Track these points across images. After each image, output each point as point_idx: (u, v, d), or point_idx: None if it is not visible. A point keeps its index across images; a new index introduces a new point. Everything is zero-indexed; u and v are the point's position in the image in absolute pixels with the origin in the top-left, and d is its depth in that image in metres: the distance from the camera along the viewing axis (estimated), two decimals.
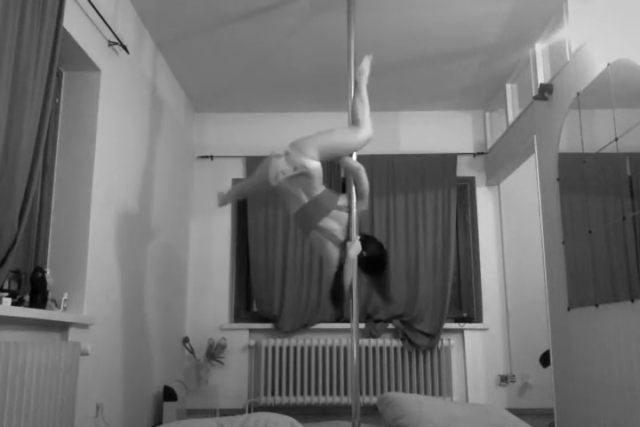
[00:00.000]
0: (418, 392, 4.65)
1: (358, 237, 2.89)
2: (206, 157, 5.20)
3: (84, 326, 2.91)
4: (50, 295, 2.67)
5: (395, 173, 5.05)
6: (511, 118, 4.57)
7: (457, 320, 4.93)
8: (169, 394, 4.00)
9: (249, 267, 4.99)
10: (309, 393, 4.70)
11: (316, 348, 4.76)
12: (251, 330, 4.90)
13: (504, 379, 4.81)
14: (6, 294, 2.33)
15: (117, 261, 3.38)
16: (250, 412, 4.66)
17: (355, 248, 2.84)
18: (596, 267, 3.16)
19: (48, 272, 2.70)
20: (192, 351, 4.66)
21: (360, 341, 4.51)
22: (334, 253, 2.87)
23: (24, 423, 2.16)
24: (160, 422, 4.01)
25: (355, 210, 2.91)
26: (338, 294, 2.88)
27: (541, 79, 3.93)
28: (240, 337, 4.87)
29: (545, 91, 3.75)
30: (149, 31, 3.88)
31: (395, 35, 3.93)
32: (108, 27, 3.13)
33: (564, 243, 3.55)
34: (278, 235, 4.95)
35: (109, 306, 3.27)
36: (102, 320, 3.14)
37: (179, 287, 4.75)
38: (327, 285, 3.06)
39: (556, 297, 3.70)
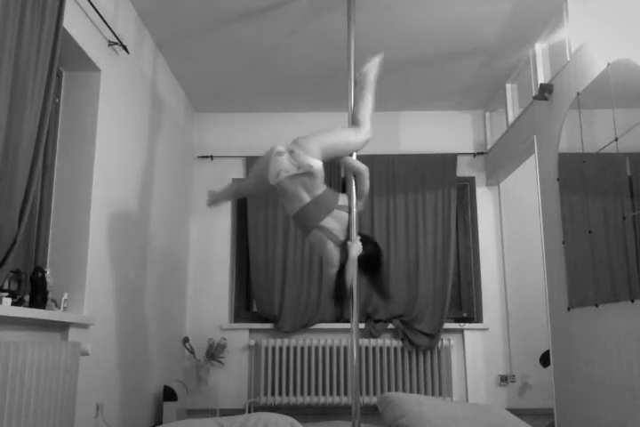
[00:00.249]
0: (418, 392, 4.65)
1: (358, 238, 2.88)
2: (206, 157, 5.20)
3: (83, 326, 2.91)
4: (50, 295, 2.67)
5: (395, 173, 5.05)
6: (511, 118, 4.57)
7: (457, 320, 4.93)
8: (169, 394, 4.00)
9: (249, 267, 4.99)
10: (309, 393, 4.70)
11: (316, 348, 4.75)
12: (251, 330, 4.90)
13: (504, 379, 4.82)
14: (6, 294, 2.33)
15: (117, 261, 3.38)
16: (250, 412, 4.66)
17: (356, 248, 2.84)
18: (596, 267, 3.16)
19: (48, 272, 2.70)
20: (192, 351, 4.66)
21: (360, 341, 4.51)
22: (335, 252, 2.86)
23: (24, 423, 2.16)
24: (160, 423, 4.01)
25: (354, 210, 2.91)
26: (341, 293, 2.88)
27: (541, 79, 3.93)
28: (240, 337, 4.87)
29: (545, 91, 3.75)
30: (149, 31, 3.88)
31: (395, 35, 3.93)
32: (108, 27, 3.13)
33: (564, 243, 3.55)
34: (278, 235, 4.95)
35: (109, 306, 3.27)
36: (102, 320, 3.14)
37: (179, 287, 4.75)
38: (328, 285, 3.05)
39: (555, 297, 3.70)
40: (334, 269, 2.86)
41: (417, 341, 4.71)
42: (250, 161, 5.09)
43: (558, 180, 3.64)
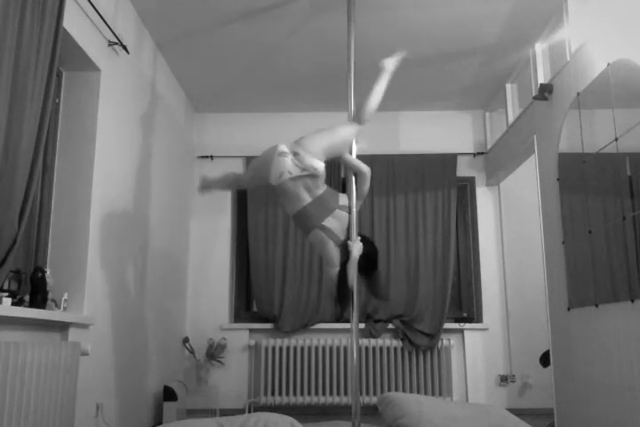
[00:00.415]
0: (418, 392, 4.65)
1: (359, 238, 2.89)
2: (206, 156, 5.20)
3: (83, 326, 2.91)
4: (50, 295, 2.67)
5: (395, 173, 5.05)
6: (511, 118, 4.57)
7: (457, 320, 4.93)
8: (169, 394, 4.00)
9: (249, 267, 4.99)
10: (309, 393, 4.70)
11: (316, 348, 4.75)
12: (251, 330, 4.90)
13: (504, 379, 4.81)
14: (6, 293, 2.33)
15: (117, 262, 3.38)
16: (250, 412, 4.66)
17: (357, 248, 2.84)
18: (596, 267, 3.16)
19: (48, 272, 2.70)
20: (192, 351, 4.66)
21: (360, 341, 4.50)
22: (335, 252, 2.86)
23: (24, 423, 2.16)
24: (160, 422, 4.01)
25: (354, 210, 2.91)
26: (344, 294, 2.87)
27: (541, 79, 3.93)
28: (240, 337, 4.87)
29: (545, 91, 3.75)
30: (149, 31, 3.88)
31: (395, 35, 3.93)
32: (108, 27, 3.13)
33: (564, 243, 3.55)
34: (278, 235, 4.95)
35: (109, 306, 3.27)
36: (102, 320, 3.14)
37: (179, 287, 4.75)
38: (329, 284, 3.05)
39: (555, 297, 3.70)
40: (335, 269, 2.86)
41: (417, 341, 4.70)
42: (250, 161, 5.08)
43: (558, 180, 3.64)
